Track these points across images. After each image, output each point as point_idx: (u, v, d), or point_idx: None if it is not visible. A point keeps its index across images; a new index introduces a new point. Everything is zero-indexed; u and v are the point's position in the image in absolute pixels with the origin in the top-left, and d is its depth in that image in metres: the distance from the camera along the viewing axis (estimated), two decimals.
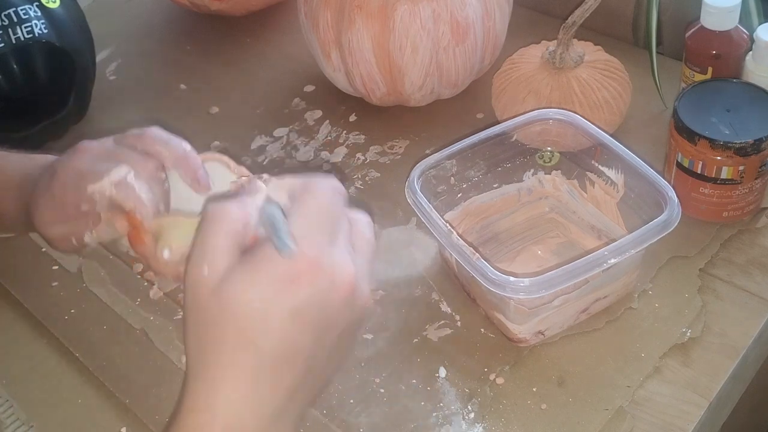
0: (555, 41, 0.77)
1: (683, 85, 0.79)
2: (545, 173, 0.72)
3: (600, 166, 0.68)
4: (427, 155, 0.67)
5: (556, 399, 0.60)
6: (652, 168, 0.63)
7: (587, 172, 0.69)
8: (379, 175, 0.80)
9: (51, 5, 0.85)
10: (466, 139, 0.68)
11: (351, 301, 0.44)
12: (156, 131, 0.57)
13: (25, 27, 0.82)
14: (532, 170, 0.72)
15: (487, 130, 0.68)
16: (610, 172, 0.67)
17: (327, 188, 0.46)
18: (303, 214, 0.44)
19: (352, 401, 0.61)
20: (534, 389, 0.60)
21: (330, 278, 0.43)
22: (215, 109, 0.92)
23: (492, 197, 0.72)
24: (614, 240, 0.59)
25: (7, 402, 0.65)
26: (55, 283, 0.73)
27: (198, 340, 0.45)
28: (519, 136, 0.70)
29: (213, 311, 0.43)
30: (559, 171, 0.72)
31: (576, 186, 0.71)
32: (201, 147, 0.82)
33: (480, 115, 0.86)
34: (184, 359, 0.65)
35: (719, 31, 0.74)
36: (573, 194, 0.71)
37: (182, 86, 0.96)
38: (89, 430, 0.62)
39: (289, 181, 0.47)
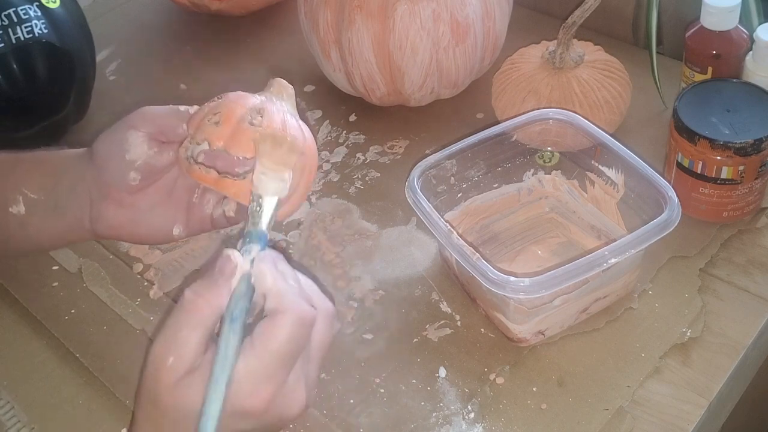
0: (555, 41, 0.77)
1: (683, 85, 0.79)
2: (545, 173, 0.72)
3: (600, 166, 0.68)
4: (427, 155, 0.67)
5: (556, 399, 0.60)
6: (652, 168, 0.63)
7: (587, 172, 0.69)
8: (379, 175, 0.80)
9: (51, 5, 0.85)
10: (466, 139, 0.68)
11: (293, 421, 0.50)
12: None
13: (25, 27, 0.81)
14: (532, 170, 0.72)
15: (487, 130, 0.68)
16: (611, 172, 0.67)
17: (295, 322, 0.48)
18: (261, 355, 0.47)
19: (352, 401, 0.61)
20: (534, 389, 0.60)
21: (279, 415, 0.48)
22: None
23: (492, 197, 0.72)
24: (614, 240, 0.59)
25: (8, 404, 0.65)
26: (55, 283, 0.73)
27: (147, 415, 0.49)
28: (519, 136, 0.70)
29: (166, 402, 0.47)
30: (560, 171, 0.72)
31: (576, 186, 0.71)
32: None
33: (480, 115, 0.86)
34: None
35: (719, 31, 0.74)
36: (573, 194, 0.71)
37: (182, 86, 0.96)
38: (89, 431, 0.62)
39: (270, 285, 0.50)
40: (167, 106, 0.60)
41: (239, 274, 0.50)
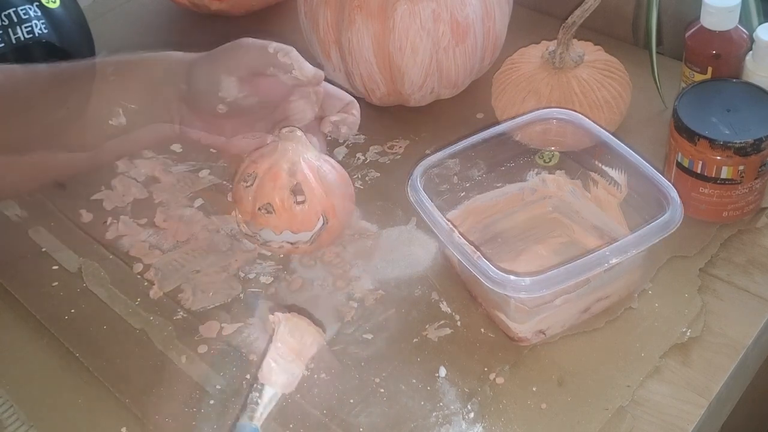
0: (555, 41, 0.77)
1: (683, 85, 0.79)
2: (548, 173, 0.72)
3: (603, 166, 0.68)
4: (427, 155, 0.67)
5: (556, 399, 0.60)
6: (654, 168, 0.63)
7: (590, 172, 0.69)
8: (379, 175, 0.80)
9: (51, 5, 0.85)
10: (468, 138, 0.68)
11: None
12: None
13: (25, 27, 0.82)
14: (535, 170, 0.72)
15: (490, 129, 0.68)
16: (613, 172, 0.67)
17: None
18: None
19: (352, 401, 0.61)
20: (534, 389, 0.60)
21: None
22: None
23: (494, 196, 0.72)
24: (616, 240, 0.59)
25: (6, 402, 0.65)
26: (55, 283, 0.73)
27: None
28: (521, 136, 0.70)
29: None
30: (563, 171, 0.72)
31: (579, 186, 0.71)
32: (200, 147, 0.83)
33: (480, 115, 0.86)
34: (184, 358, 0.65)
35: (719, 31, 0.74)
36: (576, 194, 0.71)
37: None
38: (89, 430, 0.62)
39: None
40: (257, 46, 0.65)
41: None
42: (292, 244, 0.64)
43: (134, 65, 0.69)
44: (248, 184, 0.63)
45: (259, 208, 0.63)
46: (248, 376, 0.62)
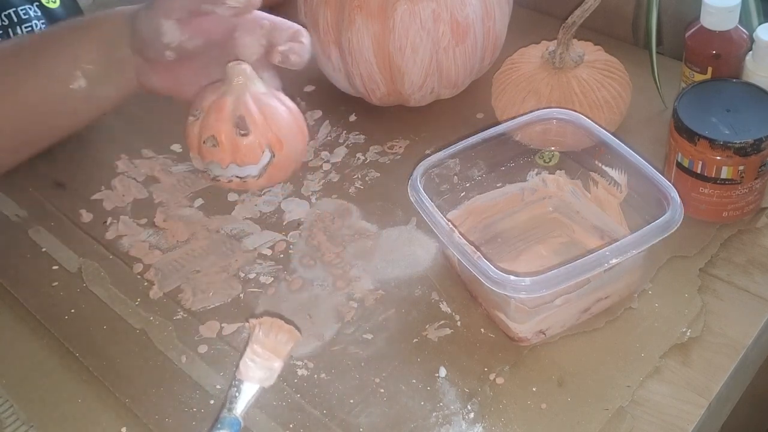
0: (555, 41, 0.77)
1: (683, 85, 0.79)
2: (548, 173, 0.72)
3: (603, 166, 0.68)
4: (427, 155, 0.67)
5: (556, 399, 0.60)
6: (654, 168, 0.63)
7: (590, 172, 0.69)
8: (379, 175, 0.80)
9: (51, 5, 0.85)
10: (468, 138, 0.68)
11: None
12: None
13: (25, 27, 0.82)
14: (535, 170, 0.72)
15: (491, 129, 0.68)
16: (614, 173, 0.67)
17: None
18: None
19: (351, 401, 0.61)
20: (534, 389, 0.60)
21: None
22: None
23: (495, 197, 0.72)
24: (617, 240, 0.59)
25: (6, 402, 0.65)
26: (55, 283, 0.73)
27: None
28: (521, 136, 0.70)
29: None
30: (563, 171, 0.72)
31: (579, 186, 0.71)
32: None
33: (480, 115, 0.86)
34: (184, 358, 0.65)
35: (719, 31, 0.74)
36: (576, 194, 0.71)
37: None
38: (89, 430, 0.62)
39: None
40: None
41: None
42: (240, 178, 0.65)
43: (86, 27, 0.71)
44: (195, 118, 0.64)
45: (204, 141, 0.64)
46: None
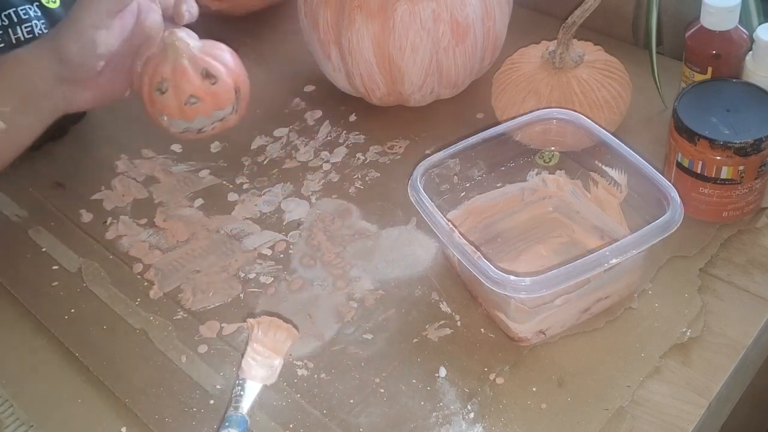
0: (555, 41, 0.77)
1: (683, 85, 0.79)
2: (548, 173, 0.72)
3: (603, 166, 0.68)
4: (427, 155, 0.67)
5: (556, 399, 0.60)
6: (654, 168, 0.63)
7: (590, 172, 0.69)
8: (379, 175, 0.80)
9: (51, 5, 0.85)
10: (468, 138, 0.68)
11: None
12: None
13: (25, 27, 0.82)
14: (535, 170, 0.72)
15: (491, 129, 0.68)
16: (614, 173, 0.67)
17: None
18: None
19: (351, 401, 0.61)
20: (534, 389, 0.60)
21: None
22: None
23: (495, 197, 0.72)
24: (617, 240, 0.59)
25: (6, 402, 0.65)
26: (55, 283, 0.73)
27: None
28: (521, 136, 0.70)
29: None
30: (563, 171, 0.72)
31: (579, 186, 0.71)
32: (200, 147, 0.83)
33: (480, 115, 0.86)
34: (184, 358, 0.65)
35: (719, 31, 0.74)
36: (576, 194, 0.71)
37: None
38: (89, 430, 0.62)
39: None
40: None
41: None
42: (221, 120, 0.74)
43: None
44: (164, 90, 0.71)
45: (185, 104, 0.71)
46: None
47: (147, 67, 0.72)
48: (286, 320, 0.61)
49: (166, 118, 0.73)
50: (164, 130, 0.75)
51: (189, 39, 0.72)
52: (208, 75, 0.71)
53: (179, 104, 0.71)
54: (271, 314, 0.62)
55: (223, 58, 0.73)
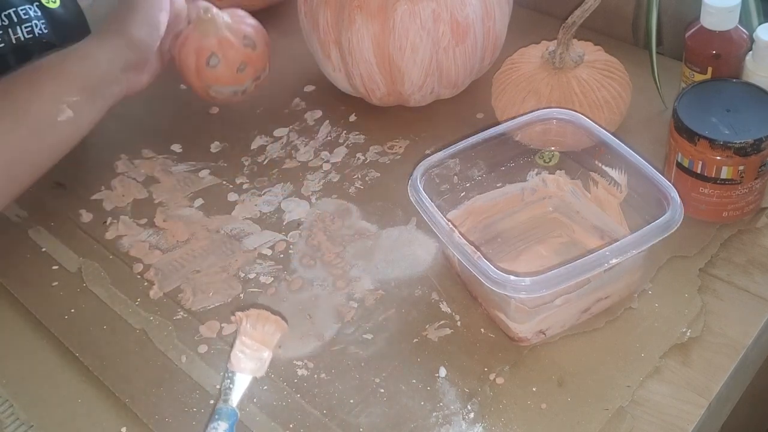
0: (555, 41, 0.77)
1: (683, 85, 0.79)
2: (548, 173, 0.72)
3: (603, 166, 0.68)
4: (427, 155, 0.67)
5: (556, 399, 0.60)
6: (654, 168, 0.63)
7: (590, 172, 0.69)
8: (379, 175, 0.80)
9: (51, 5, 0.85)
10: (468, 138, 0.68)
11: None
12: None
13: (25, 27, 0.82)
14: (535, 170, 0.72)
15: (491, 129, 0.68)
16: (614, 173, 0.67)
17: None
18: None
19: (352, 401, 0.61)
20: (534, 389, 0.60)
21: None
22: (215, 110, 0.92)
23: (495, 197, 0.72)
24: (617, 240, 0.59)
25: (6, 402, 0.65)
26: (55, 283, 0.73)
27: None
28: (521, 136, 0.70)
29: None
30: (563, 171, 0.72)
31: (579, 186, 0.71)
32: (200, 147, 0.83)
33: (480, 115, 0.86)
34: (184, 358, 0.65)
35: (719, 31, 0.74)
36: (576, 194, 0.71)
37: (182, 86, 0.96)
38: (89, 430, 0.62)
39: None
40: None
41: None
42: (258, 79, 0.83)
43: (66, 61, 0.73)
44: (215, 63, 0.79)
45: (237, 71, 0.80)
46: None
47: (184, 44, 0.79)
48: (274, 312, 0.61)
49: (214, 87, 0.81)
50: (205, 98, 0.83)
51: (223, 14, 0.79)
52: (249, 43, 0.80)
53: (232, 73, 0.80)
54: (262, 308, 0.63)
55: (249, 22, 0.81)
